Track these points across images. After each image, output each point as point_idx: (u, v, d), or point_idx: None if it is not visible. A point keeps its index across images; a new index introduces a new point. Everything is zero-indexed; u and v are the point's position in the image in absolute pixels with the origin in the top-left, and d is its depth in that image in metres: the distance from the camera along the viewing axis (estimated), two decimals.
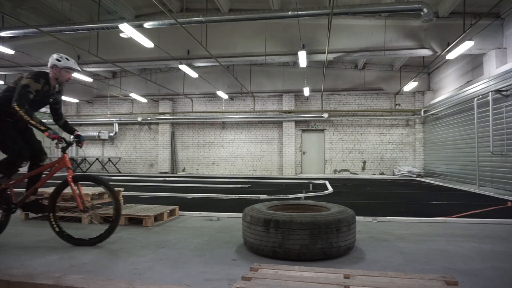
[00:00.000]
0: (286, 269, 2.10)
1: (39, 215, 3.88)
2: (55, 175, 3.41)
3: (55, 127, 3.70)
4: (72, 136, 3.57)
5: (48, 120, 18.50)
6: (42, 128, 3.09)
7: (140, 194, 7.59)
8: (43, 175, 3.46)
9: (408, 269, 2.60)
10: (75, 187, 3.24)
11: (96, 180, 3.26)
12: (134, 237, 3.57)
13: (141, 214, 4.14)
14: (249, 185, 10.08)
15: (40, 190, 4.61)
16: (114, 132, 17.56)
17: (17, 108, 3.04)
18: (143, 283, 1.95)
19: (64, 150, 3.28)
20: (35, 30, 9.35)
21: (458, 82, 12.21)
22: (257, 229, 2.89)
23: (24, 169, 3.44)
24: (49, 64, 3.34)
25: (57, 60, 3.32)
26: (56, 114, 3.70)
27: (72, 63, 3.38)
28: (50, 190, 4.49)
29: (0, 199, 3.28)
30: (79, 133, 3.52)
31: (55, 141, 3.15)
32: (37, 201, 3.46)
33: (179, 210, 4.88)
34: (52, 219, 3.23)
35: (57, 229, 3.21)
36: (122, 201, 4.99)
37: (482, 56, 10.23)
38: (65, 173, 3.34)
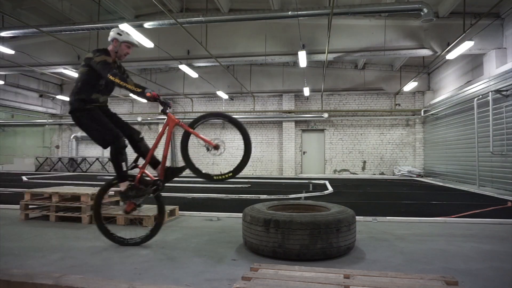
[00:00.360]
0: (286, 269, 2.10)
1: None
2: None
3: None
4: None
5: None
6: (139, 90, 3.02)
7: None
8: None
9: (408, 269, 2.60)
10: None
11: (219, 116, 3.25)
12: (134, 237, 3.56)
13: (141, 214, 4.14)
14: (249, 185, 10.08)
15: (41, 190, 4.61)
16: None
17: (112, 78, 3.02)
18: (143, 283, 1.95)
19: (164, 111, 3.25)
20: (35, 30, 9.34)
21: (458, 82, 12.21)
22: (257, 229, 2.89)
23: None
24: (109, 37, 3.33)
25: (118, 34, 3.30)
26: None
27: (132, 37, 3.35)
28: (50, 190, 4.50)
29: (143, 185, 3.24)
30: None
31: (153, 99, 3.03)
32: (169, 167, 3.36)
33: (179, 210, 4.88)
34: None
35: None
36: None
37: (482, 56, 10.22)
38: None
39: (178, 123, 3.24)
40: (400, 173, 14.31)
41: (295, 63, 14.81)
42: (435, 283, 1.88)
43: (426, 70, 14.40)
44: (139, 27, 9.16)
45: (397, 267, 2.65)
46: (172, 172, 3.31)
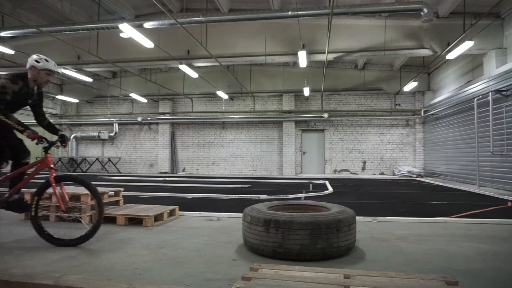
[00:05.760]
0: (286, 269, 2.10)
1: (22, 213, 4.00)
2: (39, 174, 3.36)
3: (39, 129, 3.63)
4: (56, 137, 3.51)
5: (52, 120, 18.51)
6: (20, 128, 3.08)
7: (140, 194, 7.58)
8: (26, 175, 3.45)
9: (408, 269, 2.60)
10: (58, 187, 3.19)
11: (78, 181, 3.22)
12: (134, 237, 3.57)
13: (141, 214, 4.14)
14: (249, 185, 10.08)
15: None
16: (114, 132, 17.56)
17: None
18: (143, 283, 1.95)
19: (46, 150, 3.25)
20: (35, 30, 9.34)
21: (458, 82, 12.21)
22: (257, 229, 2.89)
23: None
24: (27, 65, 3.31)
25: (36, 61, 3.28)
26: (39, 115, 3.66)
27: (51, 65, 3.34)
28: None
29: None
30: (63, 133, 3.49)
31: (35, 141, 3.10)
32: (20, 200, 3.47)
33: (179, 210, 4.88)
34: (34, 219, 3.20)
35: (38, 229, 3.20)
36: (122, 201, 4.99)
37: (482, 56, 10.22)
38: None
39: (49, 168, 3.20)
40: (400, 173, 14.31)
41: (295, 63, 14.80)
42: (435, 283, 1.88)
43: (426, 70, 14.40)
44: (139, 27, 9.17)
45: (397, 267, 2.65)
46: (15, 205, 3.41)
